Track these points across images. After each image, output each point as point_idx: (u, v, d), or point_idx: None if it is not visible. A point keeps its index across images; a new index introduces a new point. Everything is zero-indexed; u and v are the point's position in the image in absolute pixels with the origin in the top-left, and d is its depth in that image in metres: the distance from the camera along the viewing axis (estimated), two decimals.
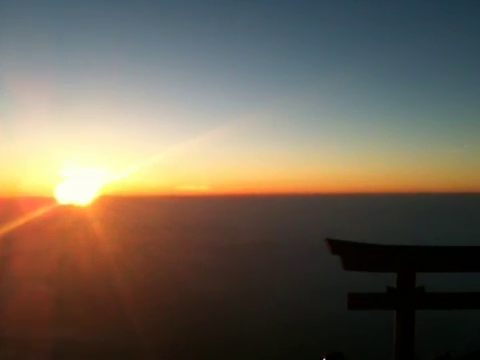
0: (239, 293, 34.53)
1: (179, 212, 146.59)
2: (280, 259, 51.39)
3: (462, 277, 6.91)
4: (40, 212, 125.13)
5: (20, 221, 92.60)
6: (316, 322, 26.66)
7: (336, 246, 5.98)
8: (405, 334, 5.99)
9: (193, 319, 27.67)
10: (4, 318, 27.66)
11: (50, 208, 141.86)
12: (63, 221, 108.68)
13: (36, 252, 56.00)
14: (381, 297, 6.04)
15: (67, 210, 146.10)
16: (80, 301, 32.09)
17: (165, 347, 22.53)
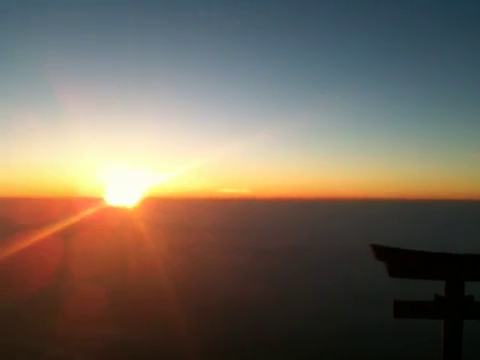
0: (277, 297, 34.43)
1: (221, 214, 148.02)
2: (318, 264, 50.82)
3: None
4: (89, 212, 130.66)
5: (71, 221, 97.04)
6: (356, 329, 26.15)
7: (381, 252, 5.95)
8: (453, 344, 5.87)
9: (232, 322, 27.89)
10: (56, 315, 28.98)
11: (99, 209, 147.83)
12: (111, 221, 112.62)
13: (85, 251, 58.42)
14: (429, 305, 5.94)
15: (115, 211, 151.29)
16: (126, 300, 33.14)
17: (206, 349, 22.84)
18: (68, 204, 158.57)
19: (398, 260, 5.99)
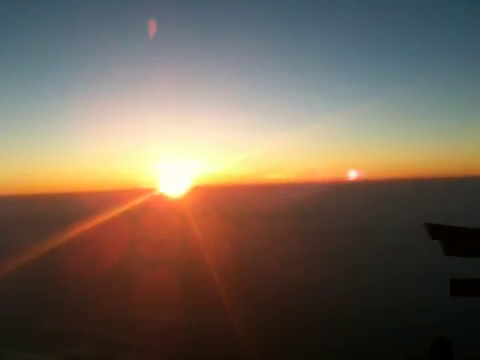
0: (325, 280, 34.22)
1: (267, 200, 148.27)
2: (369, 245, 49.99)
3: None
4: (137, 202, 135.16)
5: (119, 210, 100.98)
6: (414, 308, 25.70)
7: (436, 231, 5.84)
8: None
9: (282, 305, 28.07)
10: (111, 301, 30.16)
11: (147, 198, 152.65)
12: (158, 210, 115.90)
13: (135, 240, 60.58)
14: None
15: (165, 200, 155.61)
16: (177, 285, 34.06)
17: (259, 332, 23.10)
18: (122, 196, 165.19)
19: (453, 238, 5.88)
